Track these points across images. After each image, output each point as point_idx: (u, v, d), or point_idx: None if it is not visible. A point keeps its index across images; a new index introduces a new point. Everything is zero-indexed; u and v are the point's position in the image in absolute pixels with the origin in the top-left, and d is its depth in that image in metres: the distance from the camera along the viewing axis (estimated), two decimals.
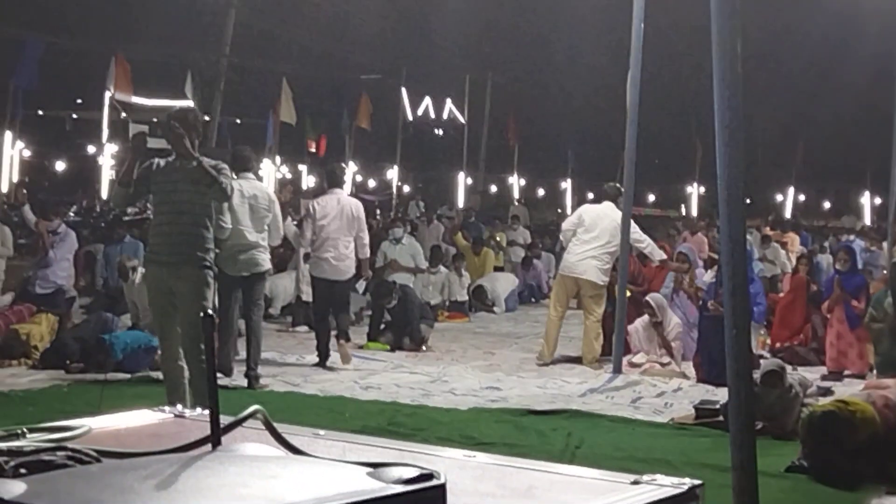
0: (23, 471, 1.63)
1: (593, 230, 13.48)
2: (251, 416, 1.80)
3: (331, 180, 13.65)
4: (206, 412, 1.92)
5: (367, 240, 13.30)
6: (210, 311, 1.78)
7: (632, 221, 13.33)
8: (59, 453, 1.63)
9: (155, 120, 37.59)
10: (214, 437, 1.69)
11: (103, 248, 18.97)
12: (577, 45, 39.11)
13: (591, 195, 14.65)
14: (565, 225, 14.22)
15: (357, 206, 13.23)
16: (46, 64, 30.98)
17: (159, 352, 9.48)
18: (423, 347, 14.66)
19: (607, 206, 13.81)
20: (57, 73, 36.33)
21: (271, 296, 17.01)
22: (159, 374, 9.88)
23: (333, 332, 13.04)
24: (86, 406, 9.62)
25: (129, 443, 1.82)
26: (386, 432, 8.49)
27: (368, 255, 13.78)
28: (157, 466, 1.54)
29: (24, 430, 1.80)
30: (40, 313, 13.47)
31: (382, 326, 15.04)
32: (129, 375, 11.49)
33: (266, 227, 11.78)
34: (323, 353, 12.97)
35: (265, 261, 11.86)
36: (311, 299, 14.14)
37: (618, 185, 14.54)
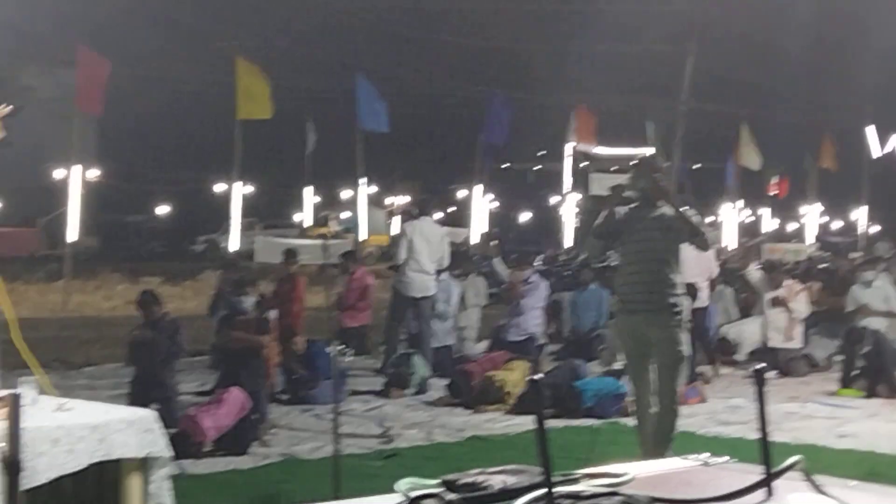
0: None
1: None
2: (793, 466, 1.78)
3: None
4: (726, 460, 1.92)
5: None
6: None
7: None
8: (615, 498, 1.69)
9: (614, 168, 38.24)
10: (766, 486, 1.69)
11: (568, 295, 19.32)
12: None
13: None
14: None
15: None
16: (510, 118, 32.20)
17: (631, 398, 9.56)
18: None
19: None
20: (519, 126, 37.74)
21: (738, 341, 16.81)
22: (627, 421, 9.95)
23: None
24: (559, 451, 9.79)
25: (669, 489, 1.84)
26: None
27: None
28: None
29: (580, 474, 1.87)
30: (513, 360, 13.89)
31: (856, 373, 14.51)
32: (599, 421, 11.63)
33: None
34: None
35: None
36: (779, 345, 15.90)
37: None
